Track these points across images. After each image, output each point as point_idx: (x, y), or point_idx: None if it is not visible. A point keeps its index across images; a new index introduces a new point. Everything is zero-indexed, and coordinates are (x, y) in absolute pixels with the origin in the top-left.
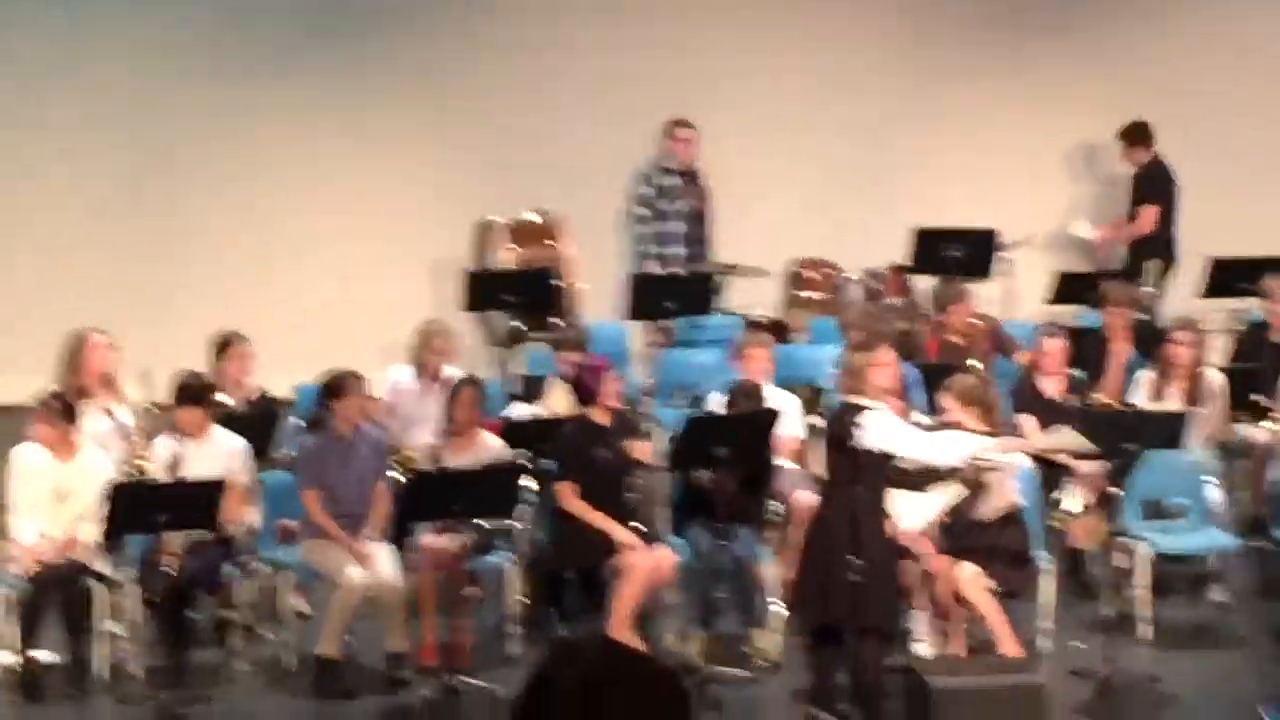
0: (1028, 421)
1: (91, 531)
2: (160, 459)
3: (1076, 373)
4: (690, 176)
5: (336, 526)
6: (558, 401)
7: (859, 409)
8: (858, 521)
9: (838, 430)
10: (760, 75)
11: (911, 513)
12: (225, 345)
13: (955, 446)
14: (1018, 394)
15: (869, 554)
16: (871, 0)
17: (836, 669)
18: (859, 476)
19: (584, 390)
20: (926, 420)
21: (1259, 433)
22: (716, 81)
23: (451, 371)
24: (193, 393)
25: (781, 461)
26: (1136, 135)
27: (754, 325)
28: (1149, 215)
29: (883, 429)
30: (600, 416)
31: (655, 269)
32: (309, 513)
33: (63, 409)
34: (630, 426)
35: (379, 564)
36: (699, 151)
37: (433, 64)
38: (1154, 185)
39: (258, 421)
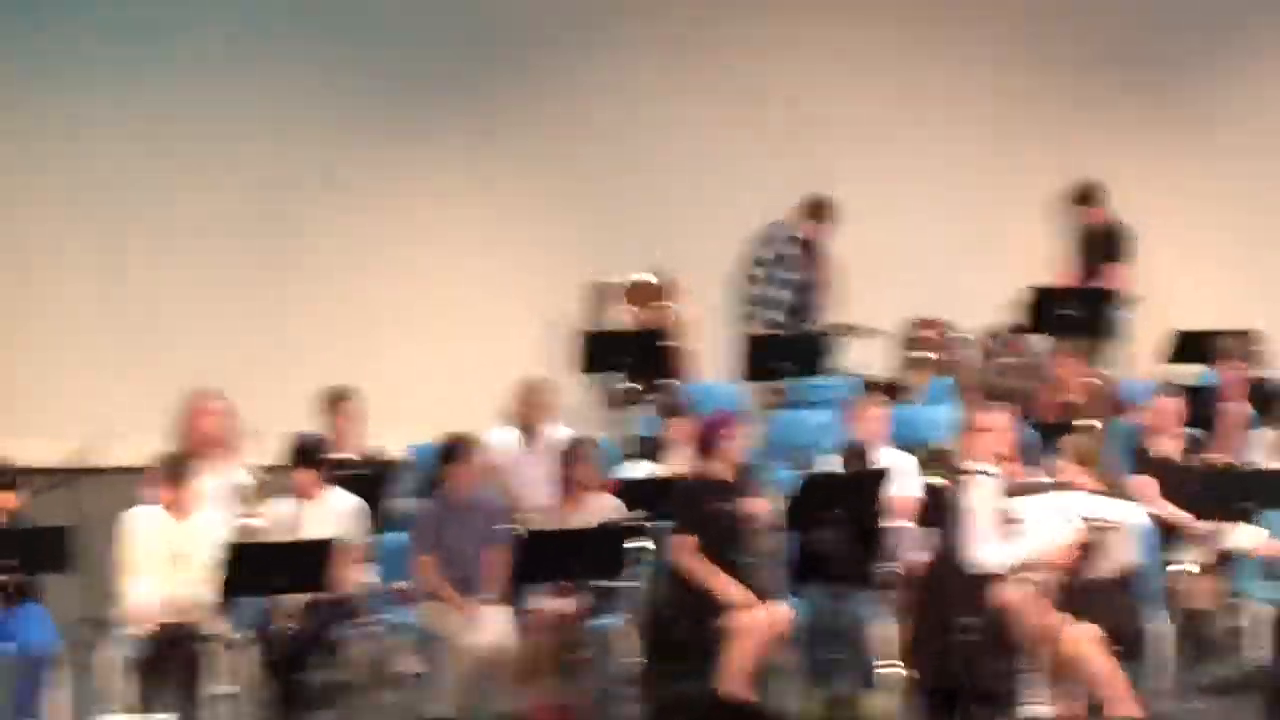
0: (1145, 483)
1: (207, 592)
2: (277, 520)
3: (1193, 431)
4: (808, 246)
5: (452, 591)
6: (679, 463)
7: (967, 473)
8: (964, 582)
9: (951, 490)
10: (871, 134)
11: (997, 554)
12: (336, 401)
13: (1018, 549)
14: (1134, 454)
15: (978, 615)
16: (983, 54)
17: None
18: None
19: (706, 444)
20: (1045, 480)
21: None
22: (828, 138)
23: (556, 430)
24: (307, 453)
25: (899, 522)
26: (1091, 195)
27: (868, 385)
28: (1123, 273)
29: (974, 505)
30: (721, 471)
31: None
32: (424, 579)
33: (176, 470)
34: (750, 483)
35: (493, 626)
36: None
37: (547, 124)
38: (1121, 243)
39: (371, 480)
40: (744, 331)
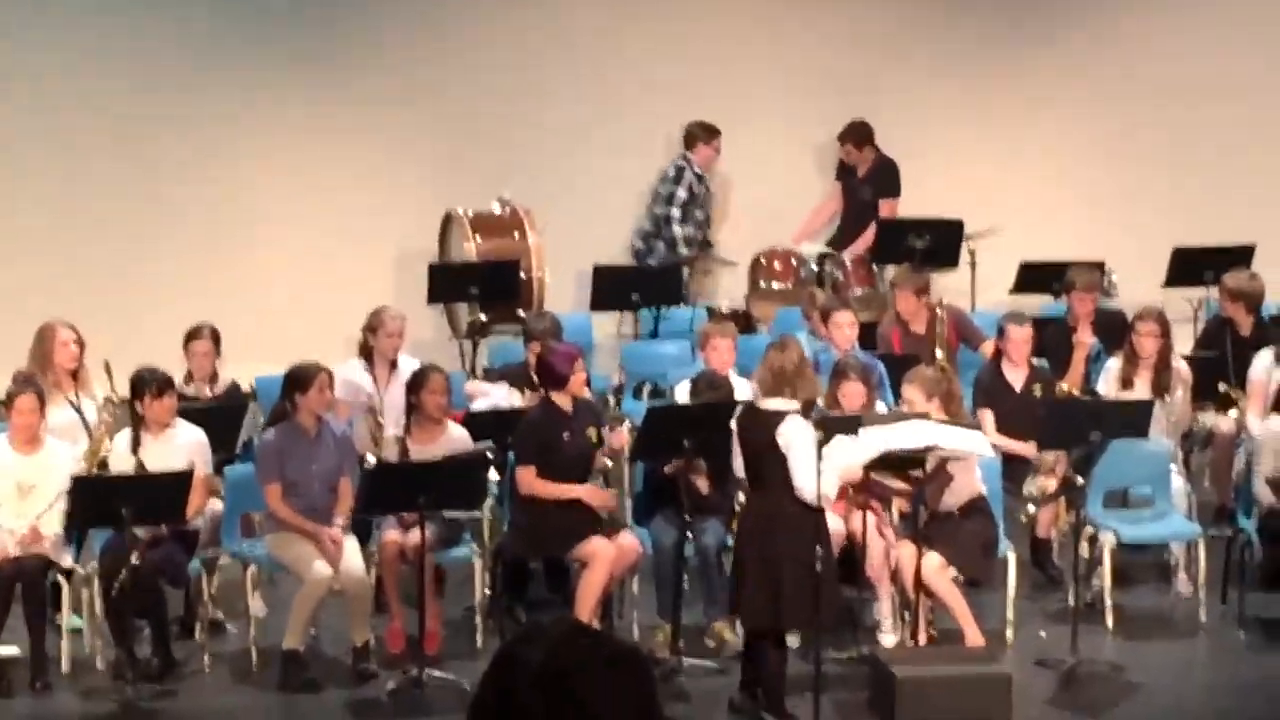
0: (986, 416)
1: (55, 525)
2: (120, 451)
3: (1040, 361)
4: (702, 178)
5: (298, 518)
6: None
7: (780, 414)
8: (785, 523)
9: (761, 433)
10: (732, 65)
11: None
12: (189, 336)
13: (826, 483)
14: (982, 385)
15: (793, 554)
16: None
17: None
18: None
19: (549, 375)
20: (887, 410)
21: (1224, 421)
22: (685, 71)
23: (406, 360)
24: (152, 385)
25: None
26: (864, 134)
27: (718, 316)
28: (892, 208)
29: (797, 440)
30: (564, 402)
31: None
32: (270, 506)
33: (24, 401)
34: (595, 414)
35: (344, 557)
36: None
37: (398, 54)
38: (893, 180)
39: (225, 413)
40: (595, 263)
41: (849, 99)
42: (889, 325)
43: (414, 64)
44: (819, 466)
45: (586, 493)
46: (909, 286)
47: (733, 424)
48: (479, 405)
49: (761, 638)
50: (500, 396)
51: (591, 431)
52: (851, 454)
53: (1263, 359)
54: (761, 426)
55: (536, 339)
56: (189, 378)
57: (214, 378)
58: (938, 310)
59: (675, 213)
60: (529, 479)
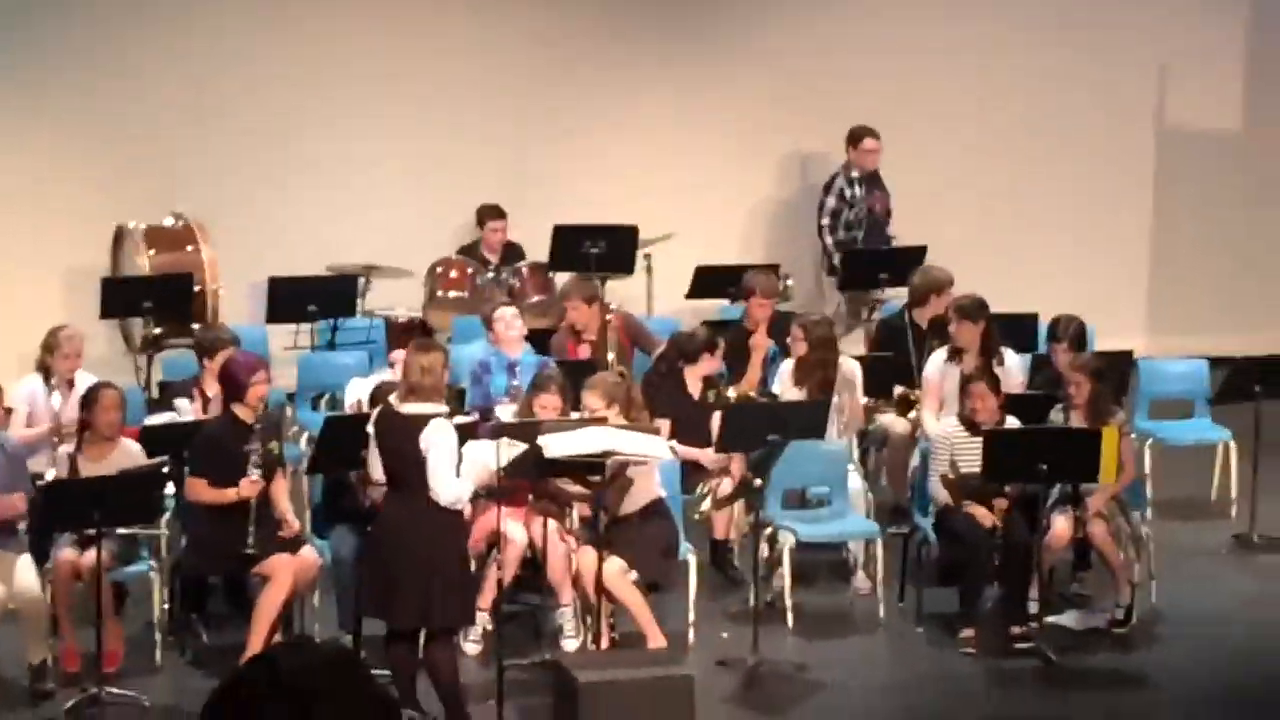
0: (662, 422)
1: None
2: None
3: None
4: (872, 179)
5: None
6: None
7: (425, 417)
8: (428, 524)
9: (404, 437)
10: (396, 77)
11: (451, 485)
12: None
13: (461, 486)
14: (656, 390)
15: (440, 554)
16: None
17: (415, 669)
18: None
19: (233, 387)
20: (574, 416)
21: (898, 421)
22: (354, 80)
23: (84, 378)
24: None
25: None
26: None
27: (395, 325)
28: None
29: (440, 443)
30: (245, 414)
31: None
32: None
33: None
34: (275, 427)
35: (18, 576)
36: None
37: (74, 65)
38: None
39: None
40: (270, 275)
41: (516, 106)
42: (564, 333)
43: (84, 77)
44: (457, 469)
45: (245, 487)
46: (577, 296)
47: (369, 428)
48: (154, 419)
49: (406, 639)
50: (185, 410)
51: (274, 444)
52: (487, 456)
53: (936, 359)
54: (404, 430)
55: (211, 352)
56: None
57: None
58: (608, 317)
59: (823, 222)
60: (199, 489)
